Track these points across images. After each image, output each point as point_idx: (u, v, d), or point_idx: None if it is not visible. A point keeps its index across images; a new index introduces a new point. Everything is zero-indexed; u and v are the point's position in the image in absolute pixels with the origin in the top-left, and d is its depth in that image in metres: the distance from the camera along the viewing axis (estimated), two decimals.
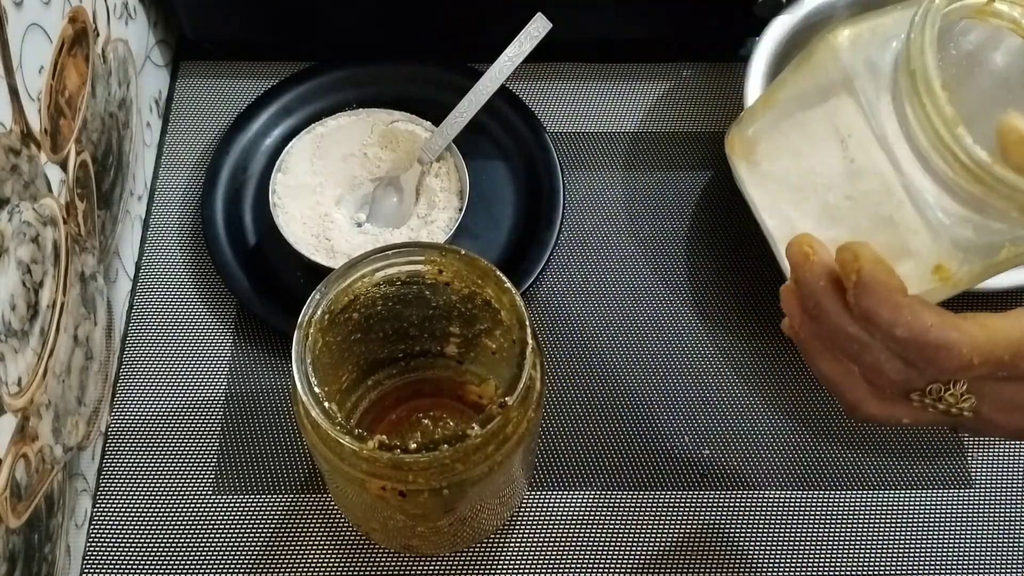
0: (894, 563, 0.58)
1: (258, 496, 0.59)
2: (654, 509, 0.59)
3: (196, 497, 0.59)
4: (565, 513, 0.59)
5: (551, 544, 0.58)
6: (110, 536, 0.58)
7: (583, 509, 0.59)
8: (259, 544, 0.58)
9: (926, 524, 0.59)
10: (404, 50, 0.73)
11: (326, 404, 0.44)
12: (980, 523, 0.59)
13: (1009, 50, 0.43)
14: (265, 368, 0.63)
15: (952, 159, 0.37)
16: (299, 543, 0.58)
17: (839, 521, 0.59)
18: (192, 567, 0.57)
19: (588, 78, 0.75)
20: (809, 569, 0.57)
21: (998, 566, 0.58)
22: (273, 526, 0.58)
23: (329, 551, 0.57)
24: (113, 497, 0.59)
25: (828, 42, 0.42)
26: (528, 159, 0.69)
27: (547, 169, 0.67)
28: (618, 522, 0.59)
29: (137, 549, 0.58)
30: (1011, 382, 0.40)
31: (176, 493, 0.59)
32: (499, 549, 0.58)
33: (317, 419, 0.44)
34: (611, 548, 0.58)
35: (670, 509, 0.59)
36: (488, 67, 0.66)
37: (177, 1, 0.70)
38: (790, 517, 0.59)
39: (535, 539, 0.58)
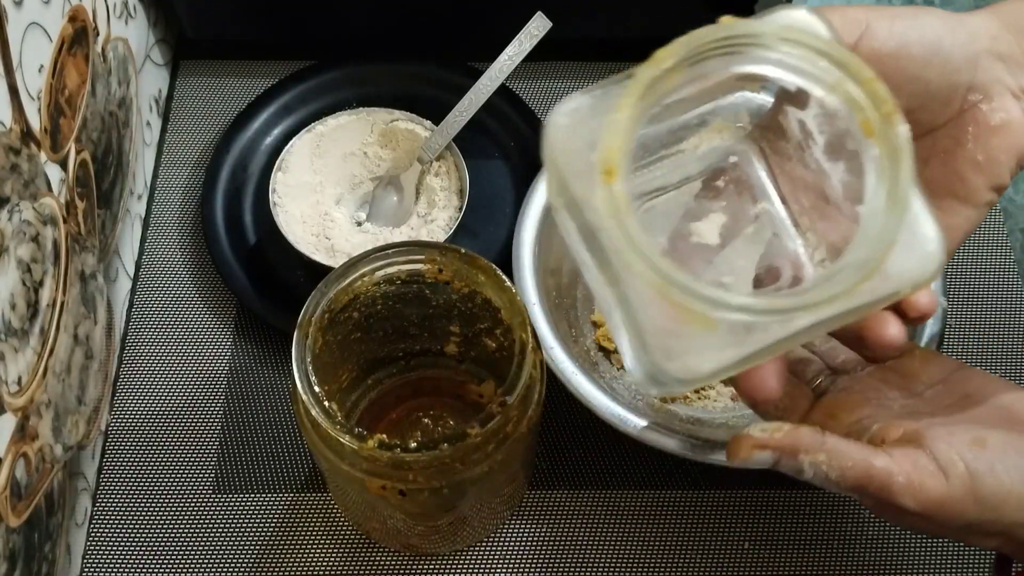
0: (894, 563, 0.58)
1: (258, 496, 0.59)
2: (654, 509, 0.59)
3: (196, 496, 0.59)
4: (565, 513, 0.59)
5: (551, 544, 0.58)
6: (110, 535, 0.58)
7: (583, 509, 0.59)
8: (259, 543, 0.58)
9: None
10: (404, 49, 0.72)
11: (326, 403, 0.44)
12: None
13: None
14: (265, 367, 0.63)
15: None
16: (299, 542, 0.58)
17: (839, 521, 0.59)
18: (192, 566, 0.57)
19: (588, 77, 0.75)
20: (809, 569, 0.57)
21: None
22: (273, 525, 0.58)
23: (329, 550, 0.57)
24: (113, 496, 0.59)
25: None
26: (528, 158, 0.69)
27: None
28: (618, 522, 0.59)
29: (137, 548, 0.58)
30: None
31: (176, 492, 0.59)
32: (499, 549, 0.58)
33: (317, 418, 0.44)
34: (611, 548, 0.58)
35: (670, 509, 0.59)
36: (488, 66, 0.66)
37: (177, 0, 0.70)
38: (790, 517, 0.59)
39: (535, 539, 0.58)
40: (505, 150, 0.70)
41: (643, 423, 0.54)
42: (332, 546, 0.58)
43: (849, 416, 0.43)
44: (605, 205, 0.32)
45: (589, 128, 0.34)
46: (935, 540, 0.58)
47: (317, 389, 0.45)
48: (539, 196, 0.61)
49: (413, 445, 0.44)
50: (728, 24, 0.34)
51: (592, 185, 0.33)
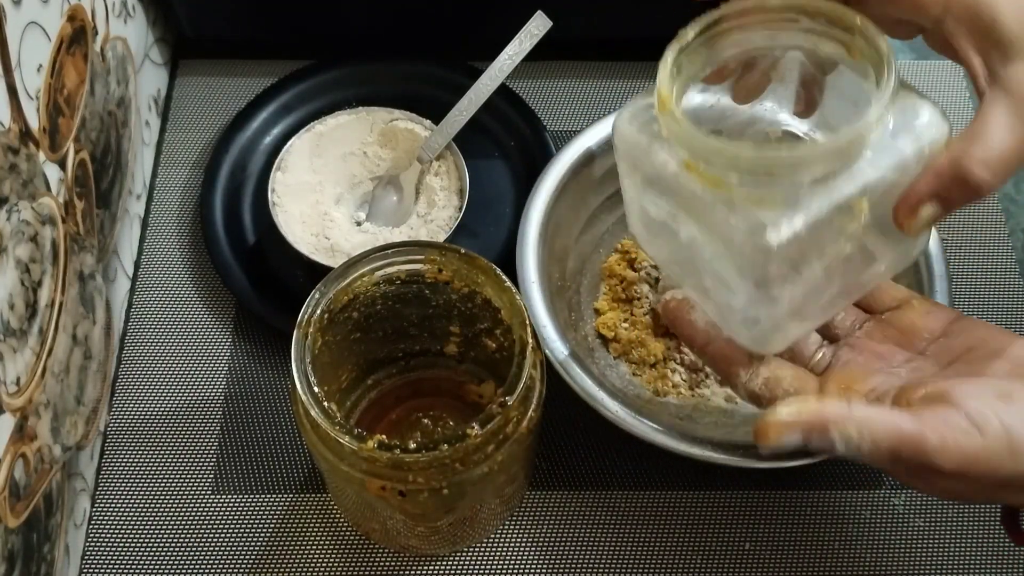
0: (894, 563, 0.57)
1: (258, 496, 0.59)
2: (654, 509, 0.59)
3: (195, 497, 0.59)
4: (565, 513, 0.59)
5: (551, 544, 0.58)
6: (109, 536, 0.58)
7: (583, 509, 0.59)
8: (258, 544, 0.58)
9: (926, 524, 0.59)
10: (404, 48, 0.72)
11: (325, 404, 0.44)
12: (980, 523, 0.59)
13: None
14: (264, 368, 0.63)
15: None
16: (299, 543, 0.58)
17: (839, 521, 0.59)
18: (191, 567, 0.57)
19: (588, 76, 0.75)
20: (809, 569, 0.57)
21: (999, 567, 0.57)
22: (273, 526, 0.58)
23: (329, 551, 0.57)
24: (112, 497, 0.59)
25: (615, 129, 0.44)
26: (528, 157, 0.68)
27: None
28: (618, 522, 0.58)
29: (136, 549, 0.57)
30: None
31: (175, 493, 0.59)
32: (499, 549, 0.58)
33: (317, 419, 0.44)
34: (611, 548, 0.58)
35: (670, 509, 0.59)
36: (488, 65, 0.66)
37: None
38: (790, 517, 0.59)
39: (535, 539, 0.58)
40: (505, 150, 0.70)
41: (620, 408, 0.54)
42: (331, 547, 0.57)
43: (863, 387, 0.43)
44: (667, 127, 0.39)
45: (651, 119, 0.41)
46: (934, 540, 0.58)
47: (316, 389, 0.44)
48: (552, 176, 0.61)
49: (413, 446, 0.44)
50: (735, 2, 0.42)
51: (657, 149, 0.41)
